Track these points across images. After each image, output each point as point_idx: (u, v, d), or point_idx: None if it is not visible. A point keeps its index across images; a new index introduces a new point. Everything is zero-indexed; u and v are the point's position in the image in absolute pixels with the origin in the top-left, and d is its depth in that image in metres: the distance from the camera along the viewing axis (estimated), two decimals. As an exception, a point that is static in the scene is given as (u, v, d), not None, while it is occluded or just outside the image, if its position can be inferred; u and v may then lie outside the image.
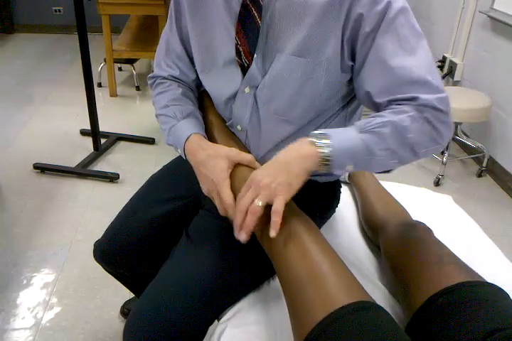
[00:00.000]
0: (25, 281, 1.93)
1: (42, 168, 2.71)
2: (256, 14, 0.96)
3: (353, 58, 0.95)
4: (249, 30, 0.98)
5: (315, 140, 0.88)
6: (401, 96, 0.90)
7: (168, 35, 1.17)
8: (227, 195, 0.97)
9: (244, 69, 1.02)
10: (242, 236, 0.89)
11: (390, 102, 0.92)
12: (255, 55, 0.99)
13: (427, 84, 0.89)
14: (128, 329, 1.00)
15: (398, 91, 0.90)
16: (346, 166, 0.89)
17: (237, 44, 1.00)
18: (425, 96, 0.88)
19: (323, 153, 0.86)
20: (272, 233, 0.86)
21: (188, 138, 1.06)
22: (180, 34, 1.14)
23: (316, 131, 0.89)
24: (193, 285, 1.00)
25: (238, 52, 1.01)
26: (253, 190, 0.88)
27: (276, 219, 0.86)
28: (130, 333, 0.99)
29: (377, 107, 0.95)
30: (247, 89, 1.03)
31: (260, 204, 0.87)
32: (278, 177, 0.87)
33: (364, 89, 0.94)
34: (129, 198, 1.30)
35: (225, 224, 1.01)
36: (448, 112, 0.90)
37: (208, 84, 1.12)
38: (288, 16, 0.94)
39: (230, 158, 1.01)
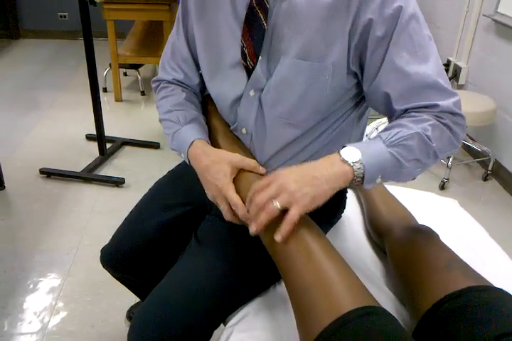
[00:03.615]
0: (31, 286, 1.93)
1: (48, 173, 2.72)
2: (262, 17, 0.97)
3: (361, 65, 0.95)
4: (255, 33, 0.99)
5: (346, 157, 0.86)
6: (420, 104, 0.91)
7: (174, 37, 1.17)
8: (233, 197, 0.97)
9: (250, 72, 1.02)
10: (253, 228, 0.88)
11: (407, 110, 0.93)
12: (260, 58, 1.00)
13: (442, 89, 0.91)
14: (133, 331, 1.00)
15: (416, 97, 0.91)
16: (376, 180, 0.89)
17: (242, 46, 1.01)
18: (443, 103, 0.90)
19: (356, 171, 0.86)
20: (278, 237, 0.86)
21: (191, 143, 1.07)
22: (187, 37, 1.14)
23: (345, 148, 0.88)
24: (200, 288, 1.00)
25: (244, 55, 1.01)
26: (274, 188, 0.86)
27: (288, 227, 0.85)
28: (135, 336, 0.99)
29: (392, 113, 0.96)
30: (252, 92, 1.03)
31: (279, 207, 0.85)
32: (305, 187, 0.85)
33: (382, 95, 0.94)
34: (135, 203, 1.30)
35: (233, 228, 1.01)
36: (463, 114, 0.94)
37: (213, 87, 1.13)
38: (293, 19, 0.94)
39: (234, 163, 1.02)
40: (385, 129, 0.93)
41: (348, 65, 0.94)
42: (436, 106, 0.91)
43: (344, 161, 0.86)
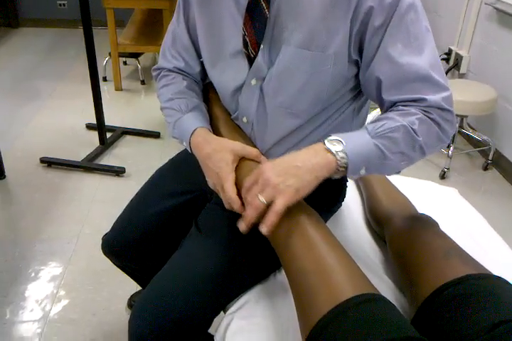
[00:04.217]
0: (33, 274, 1.94)
1: (48, 162, 2.73)
2: (264, 5, 0.96)
3: (360, 52, 0.95)
4: (257, 21, 0.98)
5: (330, 147, 0.87)
6: (408, 97, 0.91)
7: (175, 25, 1.17)
8: (230, 189, 0.98)
9: (251, 61, 1.02)
10: (242, 226, 0.90)
11: (396, 103, 0.93)
12: (262, 46, 0.99)
13: (434, 82, 0.91)
14: (134, 319, 1.01)
15: (406, 89, 0.91)
16: (360, 171, 0.89)
17: (244, 35, 1.00)
18: (432, 97, 0.90)
19: (339, 160, 0.86)
20: (263, 229, 0.87)
21: (193, 131, 1.07)
22: (188, 24, 1.14)
23: (330, 137, 0.89)
24: (200, 275, 1.00)
25: (245, 43, 1.01)
26: (260, 184, 0.88)
27: (273, 219, 0.86)
28: (136, 322, 1.00)
29: (382, 103, 0.96)
30: (253, 81, 1.03)
31: (264, 201, 0.86)
32: (288, 179, 0.86)
33: (374, 83, 0.94)
34: (136, 192, 1.31)
35: (233, 216, 1.02)
36: (452, 111, 0.93)
37: (214, 76, 1.12)
38: (295, 8, 0.94)
39: (235, 152, 1.02)
40: (373, 121, 0.93)
41: (350, 52, 0.94)
42: (424, 100, 0.90)
43: (328, 150, 0.87)
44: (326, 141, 0.88)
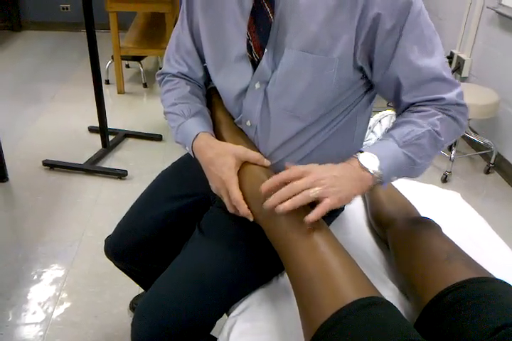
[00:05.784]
0: (35, 277, 1.95)
1: (51, 165, 2.73)
2: (269, 10, 0.97)
3: (369, 58, 0.96)
4: (261, 26, 0.98)
5: (366, 165, 0.90)
6: (427, 97, 0.96)
7: (179, 30, 1.17)
8: (235, 192, 0.98)
9: (255, 65, 1.02)
10: (285, 206, 0.87)
11: (413, 104, 0.98)
12: (266, 50, 1.00)
13: (448, 81, 0.97)
14: (136, 320, 1.01)
15: (425, 89, 0.96)
16: (391, 179, 0.95)
17: (248, 39, 1.01)
18: (449, 96, 0.96)
19: (376, 177, 0.91)
20: (311, 216, 0.86)
21: (196, 136, 1.07)
22: (191, 29, 1.14)
23: (362, 155, 0.92)
24: (203, 278, 1.01)
25: (249, 48, 1.01)
26: (312, 180, 0.88)
27: (321, 211, 0.86)
28: (138, 324, 1.00)
29: (399, 103, 1.00)
30: (257, 85, 1.04)
31: (315, 196, 0.87)
32: (340, 186, 0.88)
33: (394, 85, 0.98)
34: (138, 195, 1.31)
35: (236, 219, 1.02)
36: (465, 104, 0.99)
37: (218, 80, 1.13)
38: (298, 11, 0.94)
39: (238, 156, 1.02)
40: (396, 126, 0.96)
41: (355, 59, 0.95)
42: (442, 99, 0.95)
43: (364, 169, 0.90)
44: (360, 159, 0.91)
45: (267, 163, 1.05)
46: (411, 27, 0.91)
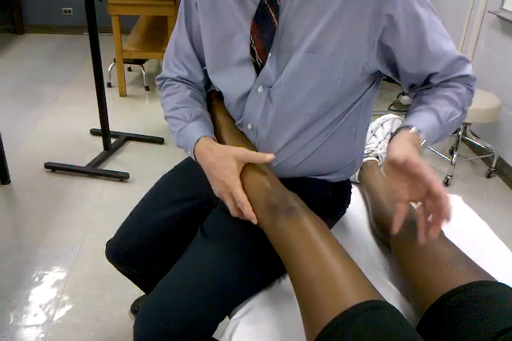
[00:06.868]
0: (36, 279, 1.95)
1: (53, 167, 2.74)
2: (273, 15, 0.97)
3: (389, 58, 0.98)
4: (265, 30, 0.99)
5: (419, 141, 0.94)
6: (456, 75, 1.03)
7: (177, 34, 1.17)
8: (240, 194, 0.99)
9: (258, 69, 1.03)
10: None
11: (443, 82, 1.04)
12: (269, 55, 1.00)
13: (465, 58, 1.04)
14: (138, 323, 1.01)
15: (452, 69, 1.02)
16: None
17: (251, 43, 1.01)
18: (470, 73, 1.04)
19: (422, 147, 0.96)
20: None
21: (197, 141, 1.08)
22: (190, 33, 1.15)
23: (415, 129, 0.95)
24: (205, 281, 1.00)
25: (252, 52, 1.02)
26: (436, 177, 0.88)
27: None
28: (141, 327, 1.00)
29: (427, 84, 1.05)
30: (260, 89, 1.04)
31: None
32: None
33: (425, 75, 1.03)
34: (139, 197, 1.31)
35: (239, 221, 1.02)
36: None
37: (219, 84, 1.13)
38: (304, 13, 0.94)
39: (239, 158, 1.03)
40: (436, 97, 1.02)
41: (369, 59, 0.96)
42: (467, 76, 1.03)
43: (417, 143, 0.94)
44: (413, 134, 0.95)
45: (268, 157, 1.03)
46: (428, 19, 0.96)
